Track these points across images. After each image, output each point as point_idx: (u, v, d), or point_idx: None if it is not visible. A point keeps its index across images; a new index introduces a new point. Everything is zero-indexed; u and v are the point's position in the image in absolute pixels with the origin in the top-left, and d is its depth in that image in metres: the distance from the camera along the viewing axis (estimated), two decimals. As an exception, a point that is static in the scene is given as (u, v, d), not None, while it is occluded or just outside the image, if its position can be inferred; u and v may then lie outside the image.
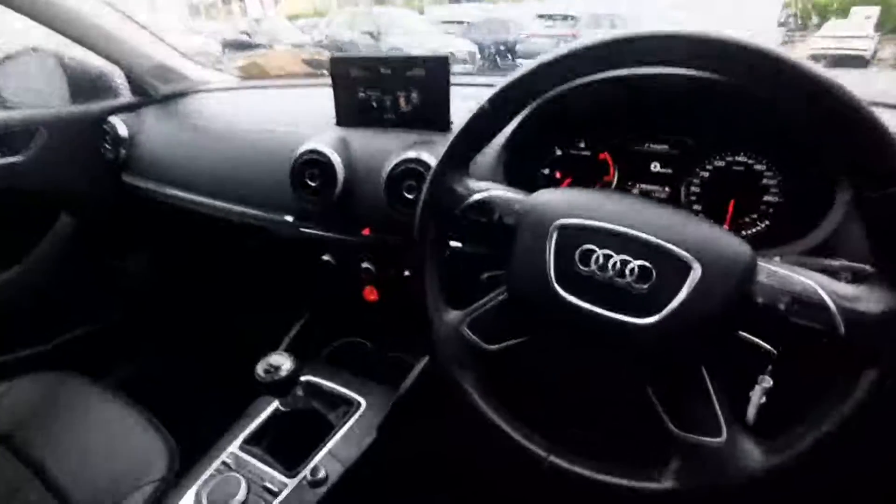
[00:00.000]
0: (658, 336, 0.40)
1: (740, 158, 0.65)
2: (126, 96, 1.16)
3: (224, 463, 0.70)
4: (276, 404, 0.74)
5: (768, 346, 0.43)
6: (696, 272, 0.39)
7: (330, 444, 0.72)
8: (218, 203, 0.94)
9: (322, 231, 0.83)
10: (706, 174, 0.67)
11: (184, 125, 1.06)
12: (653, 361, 0.42)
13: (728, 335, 0.41)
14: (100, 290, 1.22)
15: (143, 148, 1.07)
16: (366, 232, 0.79)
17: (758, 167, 0.64)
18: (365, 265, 0.82)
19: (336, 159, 0.77)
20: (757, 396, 0.45)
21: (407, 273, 0.78)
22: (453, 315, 0.52)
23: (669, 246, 0.41)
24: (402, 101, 0.80)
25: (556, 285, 0.44)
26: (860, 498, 0.75)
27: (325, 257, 0.85)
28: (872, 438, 0.47)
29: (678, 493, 0.40)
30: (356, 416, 0.76)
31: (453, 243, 0.65)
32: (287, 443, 0.72)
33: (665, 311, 0.40)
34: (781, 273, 0.39)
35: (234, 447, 0.72)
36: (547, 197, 0.49)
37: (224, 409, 0.83)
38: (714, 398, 0.41)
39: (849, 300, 0.36)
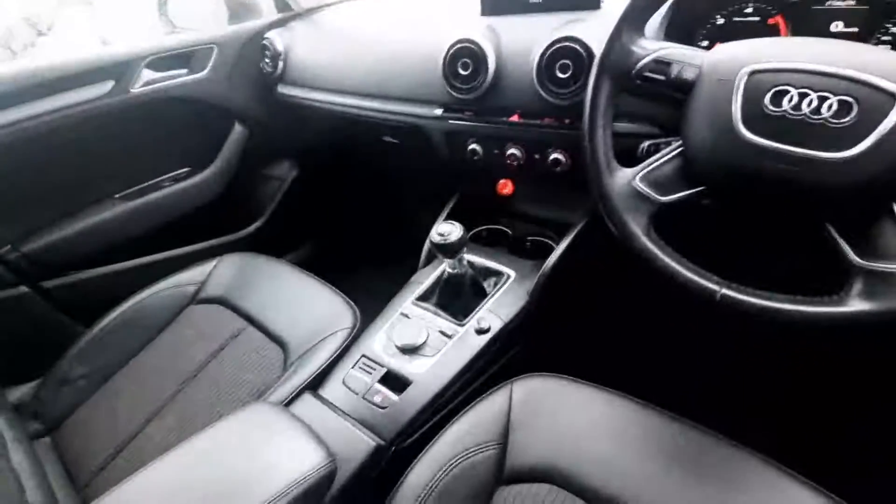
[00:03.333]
0: (857, 169, 0.42)
1: None
2: (272, 15, 1.29)
3: (402, 314, 0.85)
4: (442, 267, 0.86)
5: None
6: None
7: (489, 304, 0.83)
8: (366, 103, 1.04)
9: (470, 122, 0.89)
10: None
11: (332, 34, 1.15)
12: (846, 194, 0.44)
13: None
14: (263, 191, 1.42)
15: (296, 59, 1.18)
16: (514, 118, 0.84)
17: None
18: (511, 151, 0.87)
19: (487, 46, 0.81)
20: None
21: (554, 156, 0.83)
22: (626, 171, 0.57)
23: (874, 79, 0.41)
24: (549, -17, 0.80)
25: (741, 127, 0.46)
26: None
27: (472, 146, 0.92)
28: None
29: (867, 315, 0.43)
30: (507, 283, 0.86)
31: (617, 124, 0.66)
32: (452, 301, 0.85)
33: (867, 143, 0.41)
34: None
35: (409, 302, 0.86)
36: (731, 48, 0.50)
37: (386, 280, 0.98)
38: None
39: None
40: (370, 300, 0.93)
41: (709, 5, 0.72)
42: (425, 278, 0.90)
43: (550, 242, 0.95)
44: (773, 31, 0.69)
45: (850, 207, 0.45)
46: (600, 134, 0.57)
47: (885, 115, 0.41)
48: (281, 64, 1.19)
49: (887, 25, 0.62)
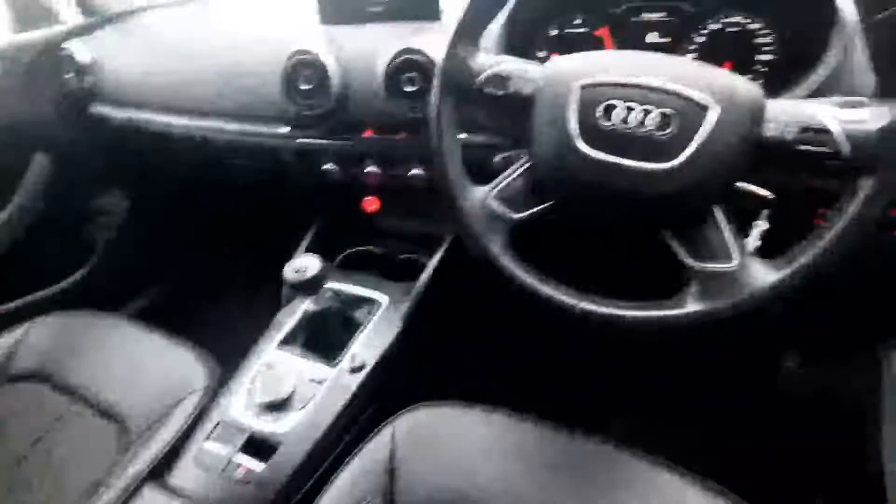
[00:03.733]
0: (681, 177, 0.43)
1: (734, 19, 0.66)
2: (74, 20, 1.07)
3: (266, 364, 0.75)
4: (305, 305, 0.78)
5: (765, 193, 0.48)
6: (714, 113, 0.42)
7: (362, 337, 0.77)
8: (202, 123, 0.91)
9: (321, 139, 0.82)
10: (703, 39, 0.68)
11: (153, 43, 0.99)
12: (674, 202, 0.46)
13: (742, 171, 0.44)
14: (88, 230, 1.19)
15: (110, 73, 1.00)
16: (367, 134, 0.79)
17: (752, 26, 0.65)
18: (368, 169, 0.82)
19: (328, 58, 0.74)
20: (753, 239, 0.50)
21: (413, 172, 0.79)
22: (479, 190, 0.55)
23: (689, 91, 0.43)
24: (382, -10, 0.76)
25: (580, 143, 0.46)
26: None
27: (327, 166, 0.85)
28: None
29: (699, 315, 0.46)
30: (380, 311, 0.81)
31: (461, 135, 0.65)
32: (320, 340, 0.77)
33: (686, 153, 0.43)
34: (789, 107, 0.42)
35: (272, 348, 0.77)
36: (564, 62, 0.50)
37: (252, 324, 0.86)
38: (726, 230, 0.46)
39: (851, 122, 0.40)
40: (234, 349, 0.81)
41: (541, 17, 0.73)
42: (288, 318, 0.81)
43: (423, 260, 0.91)
44: (600, 43, 0.73)
45: (680, 214, 0.47)
46: (448, 153, 0.55)
47: (700, 125, 0.43)
48: (89, 79, 1.00)
49: (692, 36, 0.69)
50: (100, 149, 1.10)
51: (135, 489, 0.61)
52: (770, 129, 0.42)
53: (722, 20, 0.66)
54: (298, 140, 0.83)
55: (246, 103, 0.85)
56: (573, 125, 0.46)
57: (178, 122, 0.93)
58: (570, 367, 1.12)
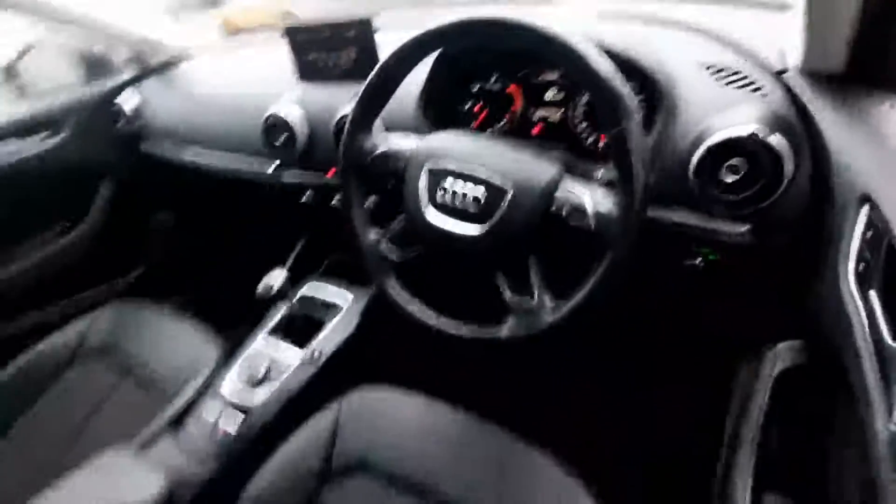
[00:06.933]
0: (487, 239, 0.60)
1: None
2: (128, 72, 1.35)
3: (255, 349, 0.99)
4: (285, 306, 1.02)
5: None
6: (509, 194, 0.58)
7: (324, 333, 0.99)
8: (213, 161, 1.15)
9: (296, 178, 1.03)
10: (586, 97, 0.81)
11: (177, 92, 1.24)
12: (488, 254, 0.62)
13: (536, 234, 0.60)
14: (142, 241, 1.50)
15: (151, 118, 1.27)
16: (330, 174, 0.99)
17: None
18: (334, 202, 1.02)
19: (296, 121, 0.95)
20: (538, 282, 0.64)
21: (370, 200, 0.98)
22: (374, 235, 0.73)
23: (491, 179, 0.59)
24: (343, 57, 0.95)
25: (425, 211, 0.64)
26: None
27: (307, 195, 1.06)
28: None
29: (511, 339, 0.62)
30: (340, 314, 1.03)
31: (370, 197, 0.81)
32: (293, 333, 1.00)
33: (489, 223, 0.59)
34: (569, 189, 0.57)
35: (261, 336, 1.01)
36: (424, 144, 0.67)
37: (253, 316, 1.11)
38: (533, 274, 0.61)
39: (601, 206, 0.55)
40: (242, 336, 1.07)
41: (463, 77, 0.88)
42: (274, 316, 1.04)
43: None
44: (511, 97, 0.87)
45: (498, 262, 0.64)
46: (353, 208, 0.73)
47: (501, 202, 0.59)
48: (139, 123, 1.27)
49: (578, 95, 0.81)
50: (151, 177, 1.38)
51: (152, 438, 0.87)
52: (554, 206, 0.58)
53: None
54: (280, 178, 1.05)
55: (241, 146, 1.08)
56: (422, 196, 0.64)
57: (196, 159, 1.18)
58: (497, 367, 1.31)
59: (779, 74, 0.63)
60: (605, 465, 0.81)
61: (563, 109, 0.84)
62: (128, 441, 0.89)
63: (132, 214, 1.43)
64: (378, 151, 0.69)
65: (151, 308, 1.16)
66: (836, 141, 0.53)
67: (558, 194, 0.58)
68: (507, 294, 0.64)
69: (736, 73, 0.65)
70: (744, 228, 0.63)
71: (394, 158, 0.68)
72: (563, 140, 0.83)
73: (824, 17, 0.53)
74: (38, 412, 0.99)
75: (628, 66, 0.69)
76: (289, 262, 1.17)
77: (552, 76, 0.83)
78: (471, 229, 0.61)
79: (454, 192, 0.61)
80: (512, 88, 0.87)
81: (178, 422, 0.90)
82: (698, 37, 0.72)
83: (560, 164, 0.61)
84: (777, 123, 0.58)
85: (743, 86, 0.64)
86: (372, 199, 0.88)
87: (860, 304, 0.43)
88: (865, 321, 0.42)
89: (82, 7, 1.11)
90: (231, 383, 0.93)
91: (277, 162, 1.04)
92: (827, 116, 0.55)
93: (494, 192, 0.59)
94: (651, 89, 0.69)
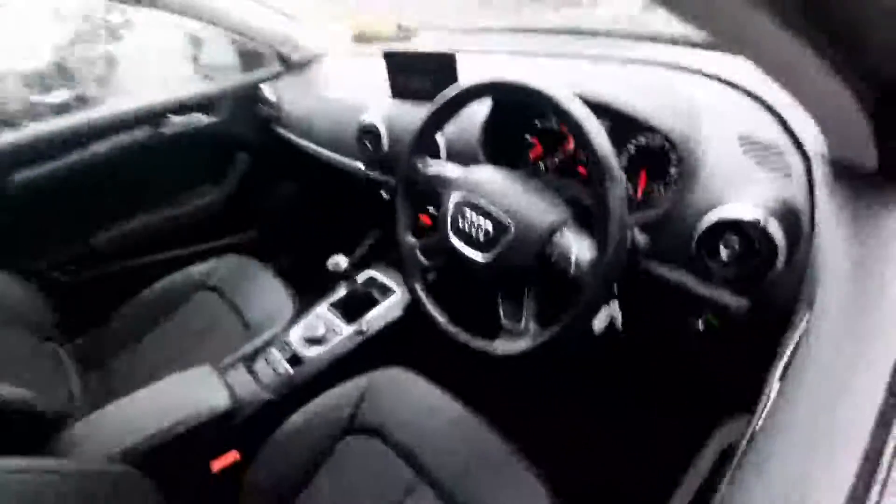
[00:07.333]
0: (490, 266, 0.71)
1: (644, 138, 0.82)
2: (274, 66, 1.65)
3: (318, 314, 1.20)
4: (346, 284, 1.21)
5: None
6: (511, 231, 0.68)
7: (373, 312, 1.16)
8: (321, 151, 1.38)
9: (379, 175, 1.21)
10: (632, 149, 0.85)
11: (305, 90, 1.50)
12: (491, 279, 0.73)
13: (531, 269, 0.69)
14: (266, 205, 1.82)
15: (284, 108, 1.55)
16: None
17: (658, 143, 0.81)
18: None
19: (383, 130, 1.12)
20: (528, 310, 0.71)
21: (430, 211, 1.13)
22: (412, 241, 0.87)
23: (500, 215, 0.70)
24: (428, 83, 1.09)
25: (450, 234, 0.76)
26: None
27: (384, 193, 1.24)
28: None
29: (502, 356, 0.72)
30: (392, 297, 1.20)
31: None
32: (351, 308, 1.19)
33: (493, 252, 0.70)
34: (563, 236, 0.66)
35: (323, 306, 1.22)
36: (460, 178, 0.78)
37: (325, 287, 1.33)
38: (525, 302, 0.71)
39: (582, 256, 0.62)
40: (315, 298, 1.30)
41: (526, 113, 0.98)
42: (340, 289, 1.25)
43: None
44: (565, 136, 0.95)
45: (499, 287, 0.74)
46: (400, 219, 0.87)
47: (503, 236, 0.69)
48: (272, 111, 1.56)
49: (623, 147, 0.85)
50: (279, 154, 1.67)
51: (231, 364, 1.12)
52: (548, 249, 0.67)
53: (640, 138, 0.83)
54: (367, 174, 1.24)
55: (342, 143, 1.29)
56: (448, 221, 0.76)
57: (310, 146, 1.42)
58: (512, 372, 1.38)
59: (809, 159, 0.63)
60: (580, 480, 0.87)
61: None
62: (217, 362, 1.16)
63: (257, 185, 1.75)
64: (428, 174, 0.83)
65: (256, 265, 1.44)
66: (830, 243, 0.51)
67: (555, 239, 0.66)
68: (502, 315, 0.74)
69: (767, 149, 0.67)
70: (743, 302, 0.66)
71: (438, 183, 0.81)
72: None
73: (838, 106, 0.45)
74: (164, 327, 1.31)
75: (648, 127, 0.74)
76: (358, 250, 1.37)
77: (604, 122, 0.89)
78: (478, 255, 0.72)
79: (471, 222, 0.73)
80: (566, 128, 0.95)
81: (253, 356, 1.14)
82: (748, 101, 0.73)
83: (567, 212, 0.69)
84: (784, 212, 0.60)
85: (768, 166, 0.66)
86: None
87: None
88: None
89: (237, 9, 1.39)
90: (296, 337, 1.15)
91: (365, 162, 1.22)
92: (834, 217, 0.52)
93: (500, 228, 0.69)
94: (680, 151, 0.73)
